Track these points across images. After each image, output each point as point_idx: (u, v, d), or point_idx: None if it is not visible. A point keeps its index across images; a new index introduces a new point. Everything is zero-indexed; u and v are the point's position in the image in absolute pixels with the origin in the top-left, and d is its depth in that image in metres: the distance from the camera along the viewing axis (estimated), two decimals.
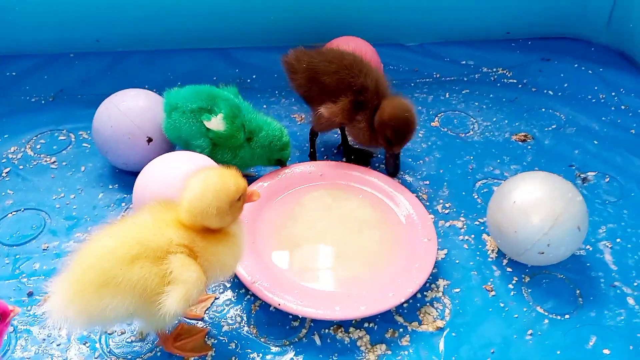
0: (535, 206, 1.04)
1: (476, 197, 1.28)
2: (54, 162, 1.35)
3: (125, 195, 1.26)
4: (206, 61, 1.69)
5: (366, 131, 1.21)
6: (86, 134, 1.43)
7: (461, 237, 1.19)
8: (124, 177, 1.29)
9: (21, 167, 1.33)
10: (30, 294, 1.05)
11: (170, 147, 1.27)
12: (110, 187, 1.28)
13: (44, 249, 1.14)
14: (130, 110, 1.20)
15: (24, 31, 1.62)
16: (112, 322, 0.87)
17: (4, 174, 1.31)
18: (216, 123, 1.15)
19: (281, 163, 1.24)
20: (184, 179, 1.03)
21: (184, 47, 1.71)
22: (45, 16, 1.60)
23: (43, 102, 1.54)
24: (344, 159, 1.37)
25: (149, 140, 1.21)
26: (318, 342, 0.99)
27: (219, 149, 1.18)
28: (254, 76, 1.66)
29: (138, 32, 1.67)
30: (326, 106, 1.21)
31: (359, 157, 1.37)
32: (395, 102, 1.19)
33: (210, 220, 0.83)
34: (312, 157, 1.36)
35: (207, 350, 0.96)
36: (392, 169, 1.25)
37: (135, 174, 1.27)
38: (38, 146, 1.39)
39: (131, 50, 1.69)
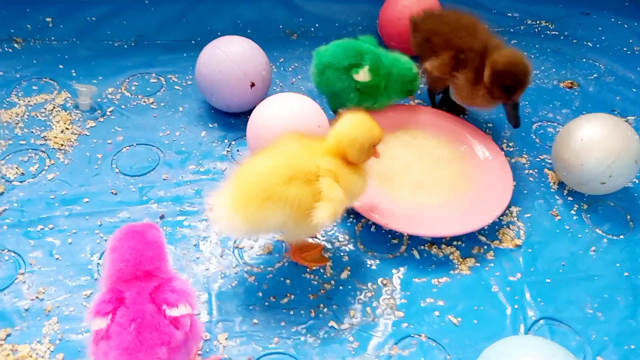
0: (600, 142, 1.21)
1: (534, 137, 1.45)
2: (152, 102, 1.47)
3: (226, 133, 1.39)
4: (271, 10, 1.79)
5: (465, 88, 1.30)
6: (175, 78, 1.54)
7: (526, 171, 1.36)
8: (222, 117, 1.43)
9: (123, 106, 1.45)
10: (162, 217, 1.20)
11: (266, 93, 1.39)
12: (211, 125, 1.41)
13: (164, 179, 1.28)
14: (236, 57, 1.32)
15: None
16: (268, 231, 1.04)
17: (108, 113, 1.43)
18: (363, 75, 1.28)
19: (411, 93, 1.38)
20: (296, 115, 1.19)
21: None
22: None
23: (126, 46, 1.64)
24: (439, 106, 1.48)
25: (252, 85, 1.34)
26: (417, 256, 1.16)
27: (363, 97, 1.32)
28: (317, 25, 1.77)
29: None
30: (430, 61, 1.34)
31: (452, 109, 1.46)
32: (508, 52, 1.26)
33: (352, 152, 1.01)
34: (433, 105, 1.48)
35: (325, 262, 1.13)
36: (515, 120, 1.27)
37: (232, 114, 1.41)
38: (133, 87, 1.51)
39: None
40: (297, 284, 1.10)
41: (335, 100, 1.36)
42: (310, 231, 1.04)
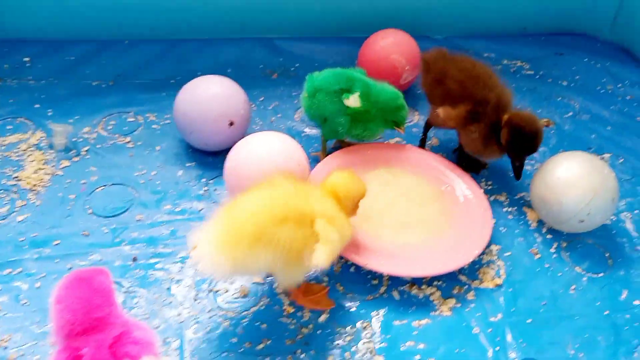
0: (578, 180, 1.21)
1: (512, 175, 1.45)
2: (129, 141, 1.45)
3: (204, 172, 1.38)
4: (252, 50, 1.80)
5: (477, 142, 1.30)
6: (153, 116, 1.53)
7: (505, 209, 1.36)
8: (200, 156, 1.41)
9: (98, 146, 1.43)
10: (135, 259, 1.17)
11: (245, 131, 1.39)
12: (188, 164, 1.40)
13: (138, 220, 1.25)
14: (216, 96, 1.33)
15: (81, 17, 1.71)
16: (254, 272, 1.02)
17: (83, 152, 1.41)
18: (354, 100, 1.29)
19: (398, 125, 1.35)
20: (274, 155, 1.18)
21: (232, 36, 1.82)
22: (102, 3, 1.69)
23: (104, 86, 1.63)
24: (457, 163, 1.42)
25: (231, 123, 1.33)
26: (397, 297, 1.14)
27: (353, 124, 1.33)
28: (297, 65, 1.78)
29: (189, 21, 1.77)
30: (444, 108, 1.32)
31: (470, 166, 1.42)
32: (525, 116, 1.26)
33: (345, 204, 1.05)
34: (422, 143, 1.48)
35: (331, 305, 1.11)
36: (519, 175, 1.30)
37: (210, 153, 1.40)
38: (109, 127, 1.50)
39: (182, 38, 1.79)
40: (274, 328, 1.07)
41: (325, 127, 1.36)
42: (299, 275, 1.00)
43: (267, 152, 1.17)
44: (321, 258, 0.94)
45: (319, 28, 1.83)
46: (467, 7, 1.89)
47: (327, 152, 1.43)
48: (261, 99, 1.64)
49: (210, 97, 1.32)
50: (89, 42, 1.73)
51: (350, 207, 1.07)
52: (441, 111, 1.34)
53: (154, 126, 1.51)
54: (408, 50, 1.61)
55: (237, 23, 1.79)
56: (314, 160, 1.40)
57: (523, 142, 1.26)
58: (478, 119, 1.29)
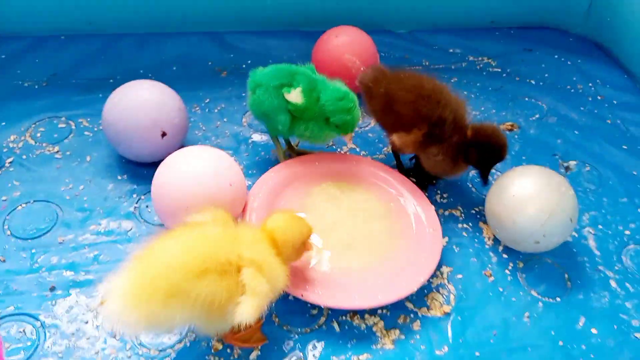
0: (533, 199, 1.12)
1: (471, 186, 1.37)
2: (57, 151, 1.34)
3: (136, 186, 1.27)
4: (200, 45, 1.69)
5: (443, 163, 1.22)
6: (86, 122, 1.42)
7: (460, 225, 1.27)
8: (133, 168, 1.31)
9: (24, 156, 1.32)
10: (52, 288, 1.07)
11: (181, 141, 1.29)
12: (119, 177, 1.29)
13: (60, 242, 1.15)
14: (145, 104, 1.21)
15: (13, 12, 1.57)
16: (171, 329, 0.92)
17: (7, 164, 1.30)
18: (295, 95, 1.19)
19: (345, 131, 1.22)
20: (203, 174, 1.08)
21: (177, 30, 1.70)
22: None
23: (36, 87, 1.51)
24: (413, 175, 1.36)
25: (163, 134, 1.23)
26: (337, 328, 1.06)
27: (296, 122, 1.23)
28: (249, 61, 1.67)
29: (131, 15, 1.65)
30: (399, 135, 1.20)
31: (420, 180, 1.34)
32: (488, 130, 1.20)
33: (286, 251, 0.95)
34: (400, 169, 1.35)
35: (264, 341, 1.02)
36: (486, 180, 1.24)
37: (144, 164, 1.30)
38: (38, 134, 1.38)
39: (124, 32, 1.67)
40: None
41: (268, 125, 1.28)
42: (225, 327, 0.90)
43: (196, 171, 1.07)
44: (246, 313, 0.83)
45: (272, 21, 1.71)
46: None
47: (283, 150, 1.34)
48: (207, 100, 1.53)
49: (139, 105, 1.21)
50: (22, 38, 1.60)
51: (291, 252, 0.97)
52: (396, 139, 1.21)
53: (86, 132, 1.40)
54: (363, 49, 1.51)
55: (183, 16, 1.67)
56: (253, 175, 1.30)
57: (493, 156, 1.21)
58: (438, 139, 1.19)
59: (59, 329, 1.01)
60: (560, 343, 1.07)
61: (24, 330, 1.01)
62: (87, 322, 1.03)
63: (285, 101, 1.22)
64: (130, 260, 0.86)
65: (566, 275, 1.19)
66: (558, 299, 1.15)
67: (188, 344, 1.01)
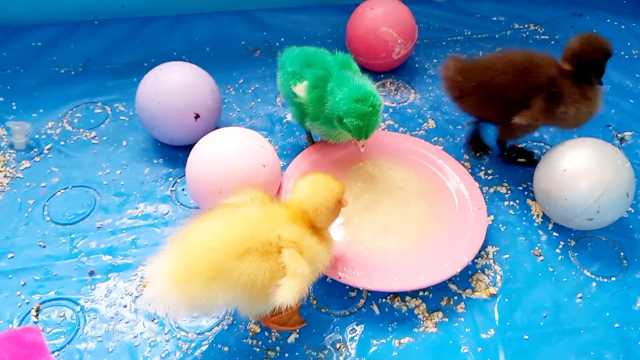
0: (585, 174, 1.05)
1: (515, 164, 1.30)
2: (94, 136, 1.34)
3: (172, 170, 1.26)
4: (231, 24, 1.65)
5: (579, 110, 1.12)
6: (122, 107, 1.42)
7: (506, 203, 1.21)
8: (169, 151, 1.30)
9: (62, 142, 1.33)
10: (91, 273, 1.08)
11: (215, 123, 1.27)
12: (155, 161, 1.28)
13: (98, 227, 1.15)
14: (177, 86, 1.19)
15: None
16: (214, 310, 0.91)
17: (45, 151, 1.31)
18: (300, 89, 1.14)
19: (353, 133, 1.07)
20: (237, 156, 1.05)
21: (208, 10, 1.67)
22: None
23: (72, 72, 1.51)
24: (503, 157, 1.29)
25: (197, 116, 1.21)
26: (377, 311, 1.03)
27: (303, 116, 1.18)
28: (282, 39, 1.62)
29: None
30: (523, 114, 1.13)
31: (525, 156, 1.28)
32: (575, 41, 1.13)
33: (320, 219, 0.90)
34: (507, 156, 1.28)
35: (302, 324, 1.00)
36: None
37: (180, 147, 1.28)
38: (75, 120, 1.39)
39: (155, 15, 1.65)
40: (237, 351, 0.97)
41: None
42: (267, 309, 0.88)
43: (229, 152, 1.04)
44: (287, 296, 0.81)
45: None
46: None
47: (311, 136, 1.29)
48: (240, 81, 1.50)
49: (171, 88, 1.19)
50: (56, 24, 1.60)
51: (329, 215, 0.92)
52: (523, 118, 1.13)
53: (122, 117, 1.39)
54: (400, 20, 1.44)
55: None
56: (288, 156, 1.27)
57: (600, 53, 1.11)
58: (559, 95, 1.12)
59: (98, 313, 1.02)
60: (616, 325, 1.00)
61: (64, 315, 1.01)
62: (125, 306, 1.03)
63: (294, 92, 1.16)
64: (171, 243, 0.85)
65: (622, 254, 1.12)
66: (613, 279, 1.08)
67: (226, 327, 1.00)
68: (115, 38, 1.60)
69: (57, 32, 1.59)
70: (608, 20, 1.66)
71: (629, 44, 1.59)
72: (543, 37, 1.64)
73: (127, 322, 1.01)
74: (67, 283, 1.06)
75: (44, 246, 1.12)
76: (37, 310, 1.02)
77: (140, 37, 1.61)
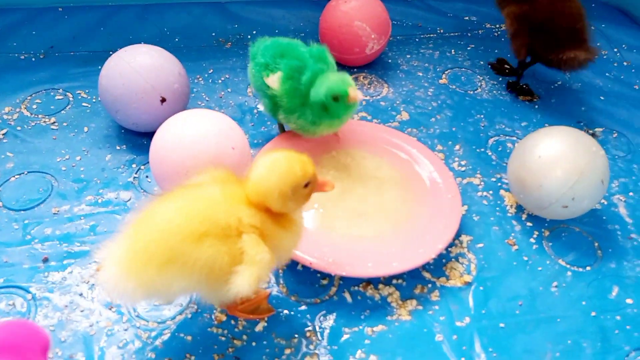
0: (560, 160, 1.04)
1: (490, 153, 1.28)
2: (54, 122, 1.28)
3: (135, 157, 1.21)
4: (202, 16, 1.62)
5: None
6: (85, 93, 1.36)
7: (479, 194, 1.19)
8: (132, 138, 1.24)
9: (19, 128, 1.26)
10: (45, 260, 1.01)
11: (182, 109, 1.22)
12: (118, 148, 1.23)
13: (54, 213, 1.09)
14: (142, 68, 1.14)
15: None
16: (171, 297, 0.85)
17: (0, 136, 1.24)
18: (273, 81, 1.09)
19: (338, 92, 1.04)
20: (204, 137, 1.00)
21: (179, 0, 1.63)
22: None
23: (33, 59, 1.45)
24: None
25: (163, 100, 1.16)
26: (349, 299, 0.98)
27: (275, 108, 1.13)
28: (254, 32, 1.59)
29: None
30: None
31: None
32: None
33: (273, 203, 0.80)
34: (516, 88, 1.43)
35: (270, 312, 0.94)
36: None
37: (144, 134, 1.23)
38: (34, 106, 1.32)
39: (124, 4, 1.60)
40: (201, 341, 0.91)
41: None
42: (229, 296, 0.79)
43: (195, 133, 1.00)
44: (243, 284, 0.75)
45: None
46: None
47: (282, 127, 1.26)
48: (210, 71, 1.46)
49: (135, 69, 1.14)
50: (19, 10, 1.54)
51: (285, 201, 0.80)
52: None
53: (84, 104, 1.33)
54: (374, 15, 1.42)
55: None
56: (259, 145, 1.23)
57: None
58: None
59: (51, 302, 0.95)
60: (593, 314, 0.98)
61: (13, 304, 0.94)
62: (81, 294, 0.96)
63: (266, 84, 1.12)
64: (126, 226, 0.79)
65: (596, 244, 1.11)
66: (588, 268, 1.06)
67: (189, 316, 0.94)
68: (81, 26, 1.54)
69: (18, 18, 1.53)
70: None
71: (598, 44, 1.61)
72: None
73: (82, 311, 0.94)
74: (18, 270, 0.99)
75: None
76: None
77: (107, 25, 1.56)
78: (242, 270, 0.76)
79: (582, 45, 1.31)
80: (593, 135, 1.35)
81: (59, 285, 0.97)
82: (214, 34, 1.58)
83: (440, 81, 1.48)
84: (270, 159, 0.80)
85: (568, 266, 1.06)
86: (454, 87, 1.47)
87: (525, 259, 1.07)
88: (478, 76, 1.51)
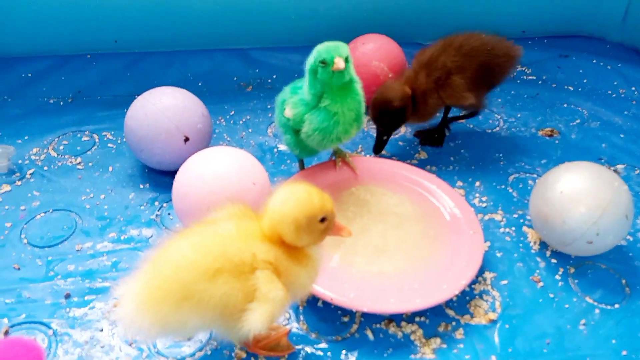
0: (583, 195, 1.03)
1: (511, 190, 1.28)
2: (80, 162, 1.31)
3: (158, 194, 1.22)
4: (224, 61, 1.67)
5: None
6: (110, 135, 1.40)
7: (502, 230, 1.17)
8: (155, 176, 1.26)
9: (45, 167, 1.29)
10: (67, 296, 1.01)
11: (205, 147, 1.24)
12: (141, 186, 1.25)
13: (77, 250, 1.10)
14: (167, 109, 1.18)
15: (39, 32, 1.59)
16: (190, 333, 0.84)
17: (27, 175, 1.27)
18: (288, 111, 1.11)
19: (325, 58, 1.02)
20: (225, 173, 1.02)
21: (202, 47, 1.69)
22: (61, 16, 1.57)
23: (62, 103, 1.50)
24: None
25: (186, 139, 1.18)
26: (371, 337, 0.96)
27: (298, 134, 1.13)
28: (275, 76, 1.64)
29: (156, 33, 1.64)
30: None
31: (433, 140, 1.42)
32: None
33: (287, 233, 0.78)
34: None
35: (290, 350, 0.92)
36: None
37: (167, 173, 1.25)
38: (61, 147, 1.36)
39: (149, 51, 1.66)
40: None
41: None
42: (245, 333, 0.78)
43: (218, 170, 1.01)
44: (256, 321, 0.74)
45: (296, 37, 1.68)
46: (457, 10, 1.73)
47: (302, 164, 1.27)
48: (232, 113, 1.49)
49: (160, 110, 1.17)
50: (48, 57, 1.61)
51: (301, 234, 0.78)
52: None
53: (109, 145, 1.37)
54: (391, 55, 1.46)
55: (208, 33, 1.66)
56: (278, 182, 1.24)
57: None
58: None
59: (72, 337, 0.94)
60: (624, 353, 0.95)
61: (34, 339, 0.94)
62: (101, 330, 0.96)
63: (287, 118, 1.13)
64: (144, 262, 0.79)
65: (624, 281, 1.08)
66: (617, 306, 1.03)
67: (209, 353, 0.93)
68: (107, 71, 1.60)
69: (48, 64, 1.60)
70: (594, 61, 1.69)
71: (615, 83, 1.62)
72: (530, 77, 1.67)
73: (102, 347, 0.93)
74: (40, 306, 0.99)
75: (19, 268, 1.06)
76: (6, 334, 0.94)
77: (133, 71, 1.61)
78: (255, 307, 0.75)
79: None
80: (615, 172, 1.34)
81: (80, 321, 0.97)
82: (235, 78, 1.62)
83: (458, 120, 1.49)
84: (289, 188, 0.80)
85: (596, 303, 1.03)
86: (471, 126, 1.48)
87: (552, 296, 1.04)
88: (496, 115, 1.52)
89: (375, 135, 1.29)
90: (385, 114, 1.24)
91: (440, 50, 1.29)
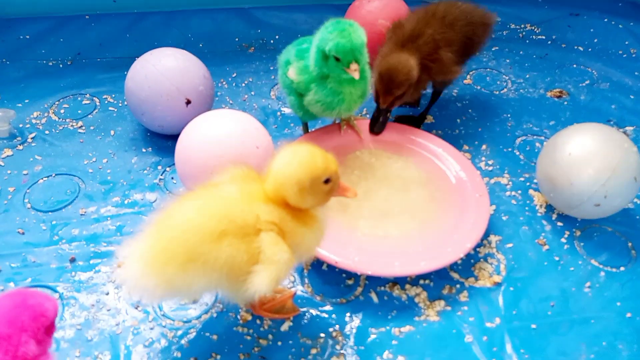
0: (592, 157, 1.01)
1: (518, 153, 1.26)
2: (81, 126, 1.30)
3: (161, 159, 1.21)
4: (226, 21, 1.63)
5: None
6: (111, 98, 1.38)
7: (508, 193, 1.16)
8: (158, 140, 1.25)
9: (47, 132, 1.28)
10: (72, 260, 1.02)
11: (207, 110, 1.22)
12: (144, 150, 1.24)
13: (81, 214, 1.10)
14: (168, 70, 1.15)
15: None
16: (195, 294, 0.85)
17: (29, 140, 1.26)
18: (291, 72, 1.09)
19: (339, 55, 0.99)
20: (228, 136, 1.00)
21: (203, 7, 1.64)
22: None
23: (61, 65, 1.48)
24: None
25: (188, 102, 1.16)
26: (375, 299, 0.97)
27: (303, 98, 1.10)
28: (277, 37, 1.60)
29: None
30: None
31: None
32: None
33: (291, 194, 0.77)
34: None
35: (295, 312, 0.93)
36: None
37: (169, 136, 1.24)
38: (62, 110, 1.34)
39: (148, 11, 1.62)
40: (226, 340, 0.90)
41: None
42: (248, 295, 0.77)
43: (219, 133, 1.00)
44: (261, 284, 0.74)
45: None
46: None
47: (307, 128, 1.25)
48: (234, 75, 1.46)
49: (161, 71, 1.15)
50: (47, 18, 1.57)
51: (304, 196, 0.77)
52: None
53: (110, 108, 1.35)
54: (397, 14, 1.41)
55: None
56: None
57: None
58: None
59: (78, 301, 0.95)
60: (629, 315, 0.95)
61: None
62: (107, 294, 0.96)
63: (290, 79, 1.10)
64: (149, 225, 0.79)
65: (630, 244, 1.07)
66: (622, 269, 1.03)
67: (215, 315, 0.93)
68: (107, 33, 1.57)
69: (46, 26, 1.56)
70: (605, 20, 1.64)
71: (627, 42, 1.58)
72: (540, 37, 1.63)
73: (108, 310, 0.94)
74: (45, 270, 1.00)
75: (23, 233, 1.06)
76: None
77: (132, 32, 1.58)
78: (260, 270, 0.75)
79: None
80: (624, 134, 1.32)
81: (85, 285, 0.98)
82: (237, 39, 1.59)
83: (465, 82, 1.46)
84: (292, 150, 0.78)
85: (601, 266, 1.03)
86: (479, 87, 1.45)
87: (557, 259, 1.04)
88: (504, 76, 1.49)
89: (374, 112, 1.16)
90: (402, 84, 1.11)
91: (424, 22, 1.19)
